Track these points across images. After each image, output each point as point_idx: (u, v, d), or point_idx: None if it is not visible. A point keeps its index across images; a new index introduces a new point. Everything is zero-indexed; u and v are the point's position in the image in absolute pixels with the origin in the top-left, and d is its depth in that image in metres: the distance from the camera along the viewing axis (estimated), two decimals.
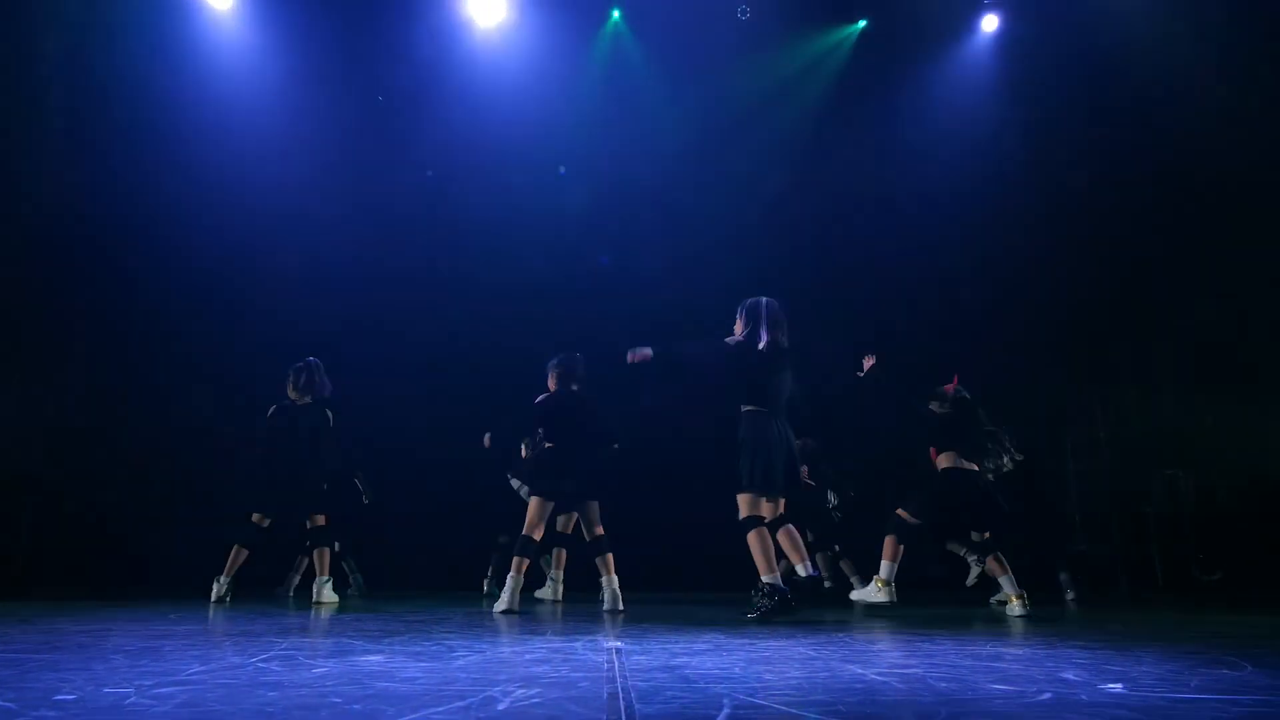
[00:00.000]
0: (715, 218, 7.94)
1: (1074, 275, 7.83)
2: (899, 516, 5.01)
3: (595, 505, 5.08)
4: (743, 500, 4.34)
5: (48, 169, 7.07)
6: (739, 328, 4.60)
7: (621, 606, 4.82)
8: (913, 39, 7.82)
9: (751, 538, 4.28)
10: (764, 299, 4.63)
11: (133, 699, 1.91)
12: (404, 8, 7.37)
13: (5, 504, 7.02)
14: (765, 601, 4.18)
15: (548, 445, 5.08)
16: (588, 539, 5.11)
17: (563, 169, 8.12)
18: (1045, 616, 4.66)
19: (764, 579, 4.22)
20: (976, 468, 5.09)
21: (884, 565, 4.94)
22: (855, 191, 7.94)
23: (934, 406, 5.17)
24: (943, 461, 5.09)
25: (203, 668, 2.39)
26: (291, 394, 5.50)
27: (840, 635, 3.54)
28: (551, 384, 5.22)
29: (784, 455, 4.42)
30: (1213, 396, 7.50)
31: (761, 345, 4.45)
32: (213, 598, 5.13)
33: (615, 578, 4.93)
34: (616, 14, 7.81)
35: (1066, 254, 7.84)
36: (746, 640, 3.27)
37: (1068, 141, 7.63)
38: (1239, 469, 7.43)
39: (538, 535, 4.90)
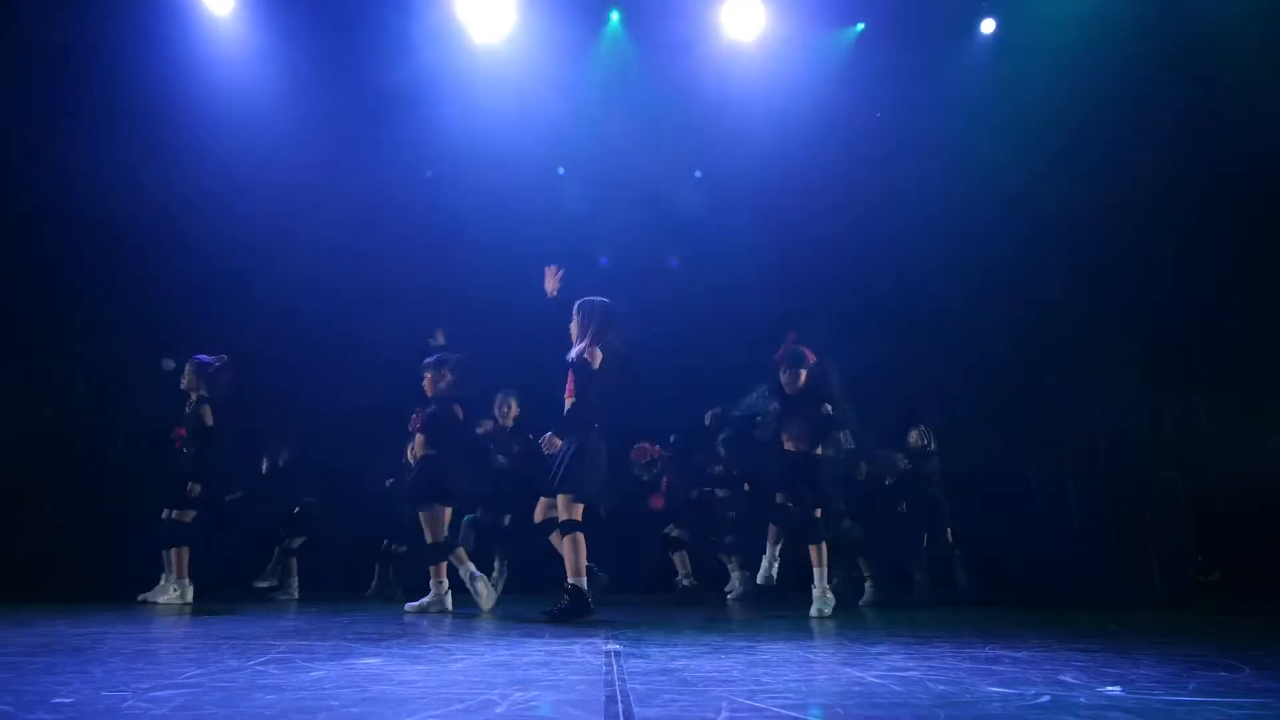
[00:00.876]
0: (718, 219, 7.98)
1: (1071, 275, 7.84)
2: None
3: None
4: (564, 502, 4.42)
5: (51, 168, 7.07)
6: (576, 330, 4.66)
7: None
8: (918, 39, 7.81)
9: (569, 541, 4.38)
10: (598, 301, 4.69)
11: (130, 702, 1.91)
12: (402, 9, 7.35)
13: (5, 506, 7.04)
14: (567, 600, 4.28)
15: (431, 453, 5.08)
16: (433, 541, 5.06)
17: (561, 169, 8.13)
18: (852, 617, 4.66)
19: (571, 581, 4.32)
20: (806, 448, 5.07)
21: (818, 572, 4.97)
22: (856, 187, 7.92)
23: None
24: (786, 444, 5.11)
25: (200, 670, 2.38)
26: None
27: (838, 638, 3.54)
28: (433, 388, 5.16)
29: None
30: (1210, 397, 7.51)
31: (599, 360, 4.56)
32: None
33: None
34: (615, 16, 7.81)
35: (1064, 253, 7.85)
36: (745, 643, 3.27)
37: (1067, 140, 7.62)
38: (1237, 470, 7.43)
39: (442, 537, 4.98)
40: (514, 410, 6.22)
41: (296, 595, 6.23)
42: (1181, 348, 7.52)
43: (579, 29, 7.55)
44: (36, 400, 7.40)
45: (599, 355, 4.57)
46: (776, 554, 5.10)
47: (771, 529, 5.16)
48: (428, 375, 5.17)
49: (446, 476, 5.02)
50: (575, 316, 4.70)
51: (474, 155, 7.74)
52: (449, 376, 5.14)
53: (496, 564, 6.08)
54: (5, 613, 4.18)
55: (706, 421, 6.90)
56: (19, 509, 7.28)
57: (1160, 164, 7.46)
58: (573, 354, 4.61)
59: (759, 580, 5.11)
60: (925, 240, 7.86)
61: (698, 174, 8.11)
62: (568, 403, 4.63)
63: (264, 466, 6.61)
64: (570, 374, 4.62)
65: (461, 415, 5.23)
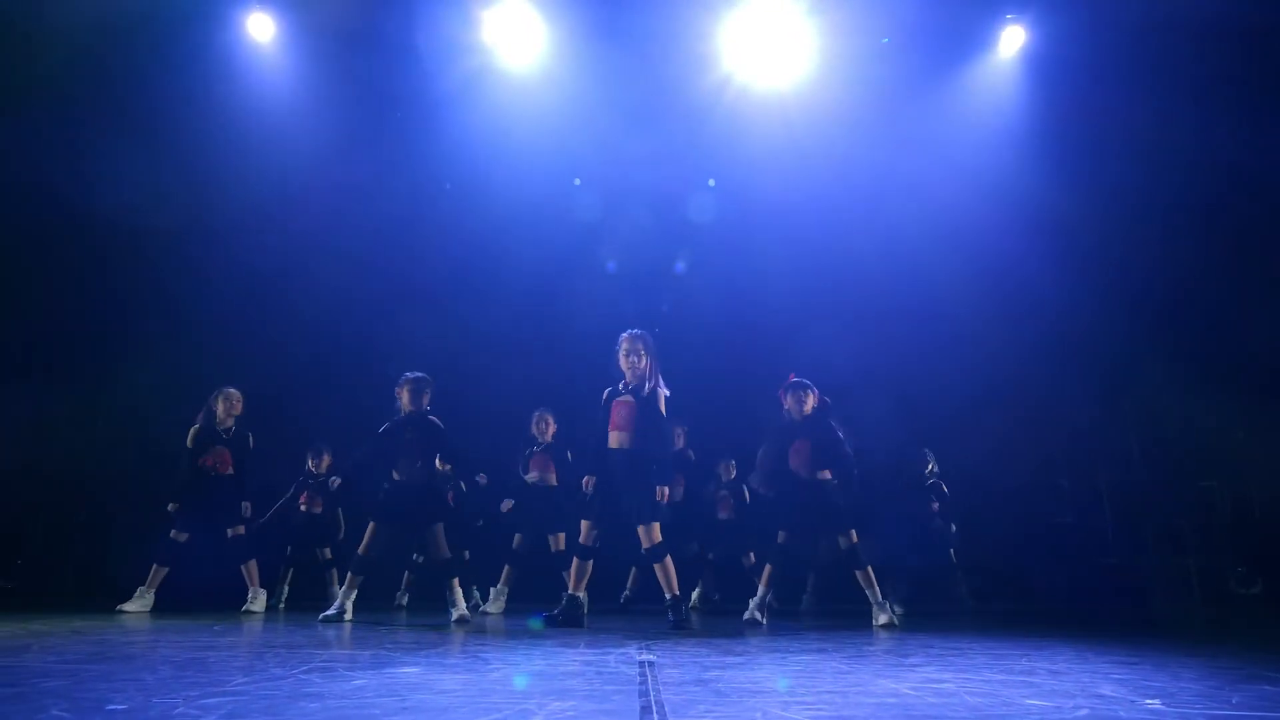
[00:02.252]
0: (731, 224, 8.02)
1: (1105, 285, 7.74)
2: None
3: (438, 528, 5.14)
4: (651, 530, 4.67)
5: (99, 188, 7.32)
6: (643, 365, 4.80)
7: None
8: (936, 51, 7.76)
9: (662, 565, 4.69)
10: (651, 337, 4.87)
11: (180, 709, 1.97)
12: (428, 31, 7.47)
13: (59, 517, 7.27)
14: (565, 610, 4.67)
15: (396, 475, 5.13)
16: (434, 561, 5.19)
17: (578, 180, 8.22)
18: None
19: (577, 593, 4.73)
20: None
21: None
22: (875, 193, 7.91)
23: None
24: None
25: (246, 679, 2.45)
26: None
27: (872, 649, 3.53)
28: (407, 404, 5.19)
29: None
30: (1247, 405, 7.36)
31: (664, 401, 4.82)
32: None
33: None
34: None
35: (1097, 264, 7.75)
36: (778, 654, 3.28)
37: (1104, 146, 7.54)
38: (1277, 479, 7.27)
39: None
40: (551, 427, 6.30)
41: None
42: (1218, 355, 7.39)
43: (602, 51, 7.61)
44: (90, 416, 7.66)
45: (666, 395, 4.77)
46: (769, 589, 5.25)
47: (766, 567, 5.27)
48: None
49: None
50: (639, 351, 4.77)
51: (491, 167, 7.87)
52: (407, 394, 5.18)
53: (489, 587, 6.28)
54: (61, 621, 4.32)
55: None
56: (72, 521, 7.52)
57: (1196, 170, 7.35)
58: (645, 389, 4.73)
59: (745, 617, 5.12)
60: (949, 253, 7.82)
61: (711, 182, 8.15)
62: (616, 436, 4.74)
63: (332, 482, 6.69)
64: (630, 408, 4.71)
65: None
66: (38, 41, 6.93)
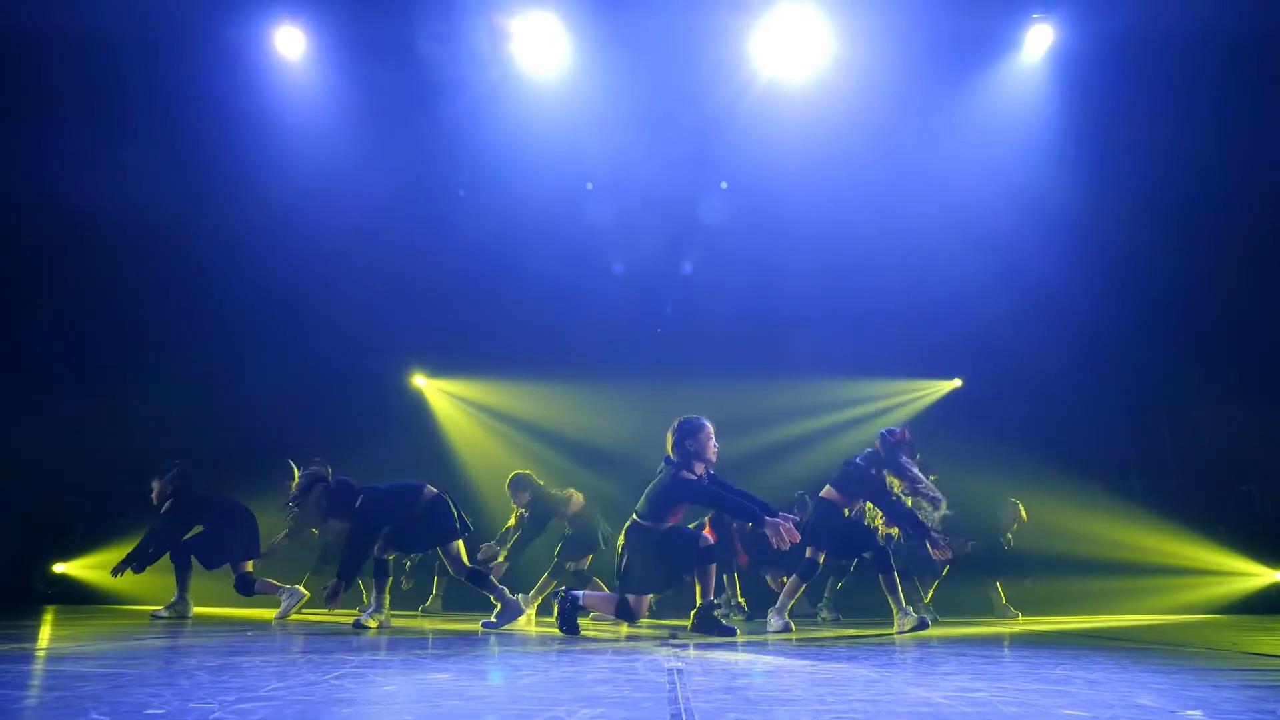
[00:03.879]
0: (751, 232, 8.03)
1: (1138, 291, 7.62)
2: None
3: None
4: None
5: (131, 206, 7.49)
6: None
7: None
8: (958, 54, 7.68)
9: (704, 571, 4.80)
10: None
11: (216, 714, 2.00)
12: (454, 48, 7.54)
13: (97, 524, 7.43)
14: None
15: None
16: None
17: (590, 184, 8.27)
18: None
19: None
20: None
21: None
22: (898, 195, 7.85)
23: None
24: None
25: (280, 684, 2.48)
26: None
27: (903, 656, 3.49)
28: None
29: None
30: None
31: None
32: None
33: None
34: None
35: (1133, 269, 7.63)
36: (807, 662, 3.25)
37: (1136, 154, 7.41)
38: None
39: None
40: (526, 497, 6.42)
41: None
42: (1253, 360, 7.25)
43: (623, 59, 7.63)
44: (123, 428, 7.82)
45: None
46: (794, 600, 5.25)
47: (794, 579, 5.25)
48: None
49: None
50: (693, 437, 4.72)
51: (519, 175, 7.92)
52: None
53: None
54: (98, 625, 4.40)
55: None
56: (110, 528, 7.68)
57: (1235, 169, 7.21)
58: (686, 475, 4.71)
59: (774, 627, 5.11)
60: (975, 257, 7.73)
61: (723, 184, 8.14)
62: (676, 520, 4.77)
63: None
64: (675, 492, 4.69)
65: None
66: (69, 55, 7.11)
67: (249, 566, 5.95)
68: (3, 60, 7.26)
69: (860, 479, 5.11)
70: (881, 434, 5.22)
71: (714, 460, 4.75)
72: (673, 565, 4.74)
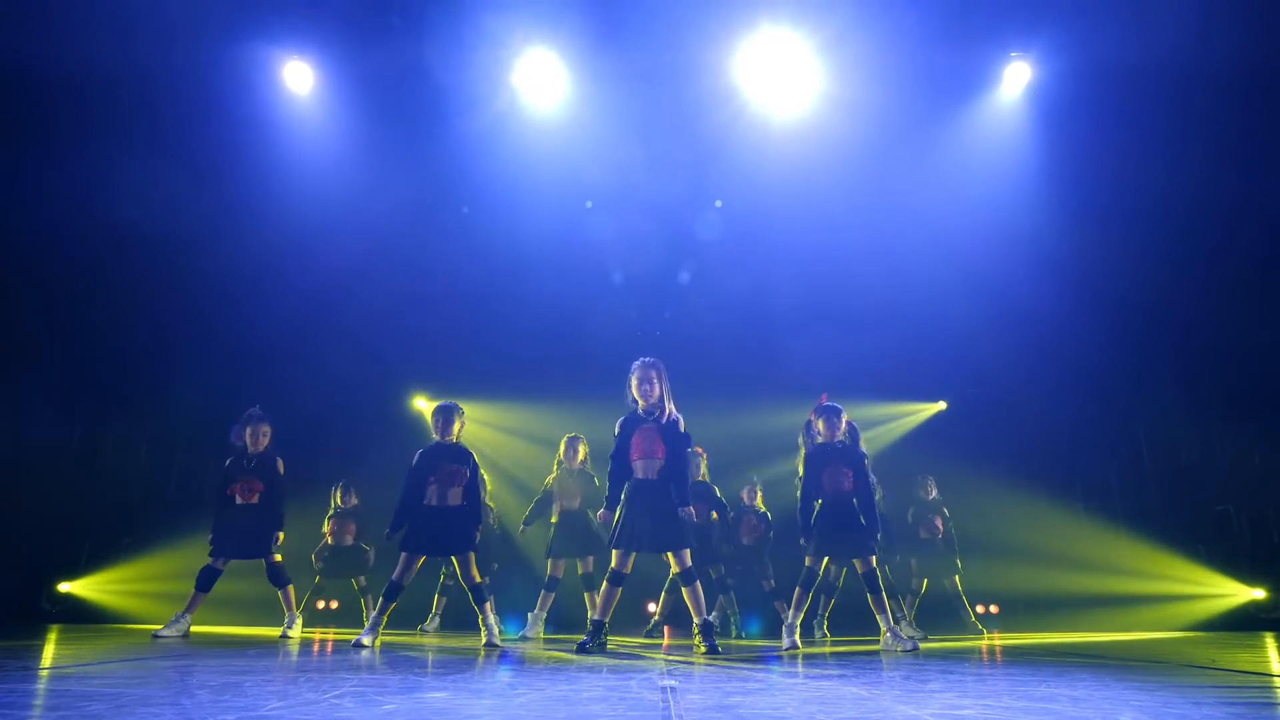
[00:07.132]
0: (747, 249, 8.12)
1: (1118, 314, 7.73)
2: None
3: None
4: (684, 555, 4.76)
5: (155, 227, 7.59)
6: (658, 392, 4.85)
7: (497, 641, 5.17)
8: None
9: (693, 589, 4.79)
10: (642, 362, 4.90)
11: None
12: (462, 83, 7.65)
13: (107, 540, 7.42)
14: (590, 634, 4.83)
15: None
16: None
17: (589, 203, 8.38)
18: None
19: (603, 619, 4.87)
20: None
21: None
22: (880, 225, 7.98)
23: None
24: None
25: (281, 703, 2.52)
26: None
27: (892, 674, 3.54)
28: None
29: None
30: (1264, 429, 7.29)
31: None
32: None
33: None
34: None
35: (1113, 295, 7.75)
36: (798, 680, 3.30)
37: (1114, 185, 7.55)
38: None
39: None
40: (581, 455, 6.41)
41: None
42: (1233, 380, 7.35)
43: (620, 90, 7.75)
44: (135, 442, 7.85)
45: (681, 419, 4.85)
46: (800, 613, 5.25)
47: (796, 590, 5.27)
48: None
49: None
50: (652, 379, 4.81)
51: (511, 197, 8.03)
52: None
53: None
54: (102, 644, 4.42)
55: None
56: (115, 548, 7.69)
57: (1212, 196, 7.35)
58: (671, 417, 4.80)
59: (784, 648, 5.08)
60: (956, 282, 7.85)
61: (718, 203, 8.27)
62: (643, 465, 4.78)
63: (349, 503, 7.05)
64: (653, 434, 4.77)
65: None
66: (92, 86, 7.20)
67: (278, 558, 5.94)
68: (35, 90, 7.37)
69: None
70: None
71: (643, 402, 4.86)
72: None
